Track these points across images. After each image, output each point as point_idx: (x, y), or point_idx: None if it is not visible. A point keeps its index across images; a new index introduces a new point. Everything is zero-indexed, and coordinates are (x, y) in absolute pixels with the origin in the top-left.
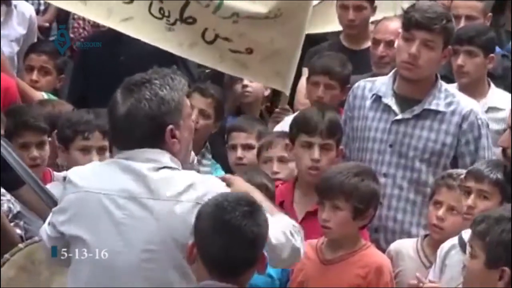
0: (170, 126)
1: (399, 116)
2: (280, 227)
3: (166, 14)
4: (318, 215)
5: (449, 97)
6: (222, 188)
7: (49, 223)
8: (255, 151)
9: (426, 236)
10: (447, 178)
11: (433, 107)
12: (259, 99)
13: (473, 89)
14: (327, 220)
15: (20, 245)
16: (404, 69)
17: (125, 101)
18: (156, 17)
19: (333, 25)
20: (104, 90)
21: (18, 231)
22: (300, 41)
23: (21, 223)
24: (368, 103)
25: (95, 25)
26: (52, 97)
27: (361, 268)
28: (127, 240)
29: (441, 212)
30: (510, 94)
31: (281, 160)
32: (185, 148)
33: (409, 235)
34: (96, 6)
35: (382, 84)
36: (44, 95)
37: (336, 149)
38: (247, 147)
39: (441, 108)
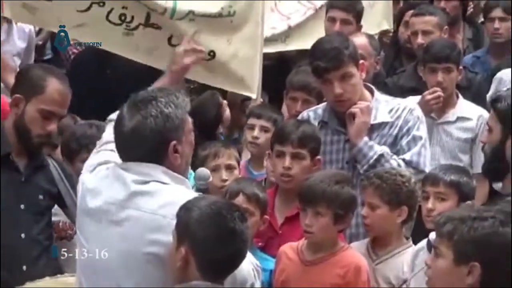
0: (174, 142)
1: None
2: (248, 262)
3: (128, 19)
4: (301, 220)
5: (390, 104)
6: None
7: None
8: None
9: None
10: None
11: (378, 120)
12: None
13: (446, 102)
14: (309, 226)
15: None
16: (337, 106)
17: (132, 117)
18: (113, 23)
19: None
20: (92, 103)
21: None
22: (258, 46)
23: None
24: None
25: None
26: None
27: (340, 268)
28: (107, 243)
29: (364, 211)
30: (475, 105)
31: (229, 167)
32: (186, 162)
33: None
34: (45, 15)
35: (323, 110)
36: None
37: (311, 159)
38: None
39: (386, 118)
